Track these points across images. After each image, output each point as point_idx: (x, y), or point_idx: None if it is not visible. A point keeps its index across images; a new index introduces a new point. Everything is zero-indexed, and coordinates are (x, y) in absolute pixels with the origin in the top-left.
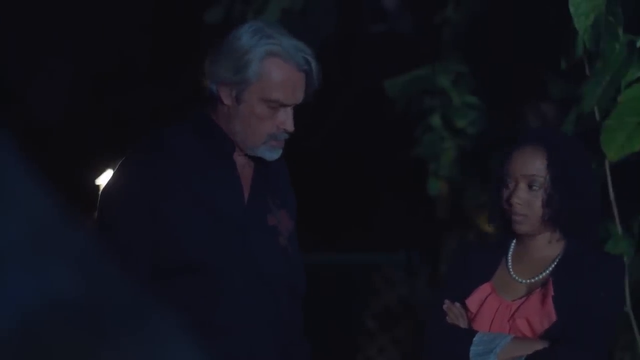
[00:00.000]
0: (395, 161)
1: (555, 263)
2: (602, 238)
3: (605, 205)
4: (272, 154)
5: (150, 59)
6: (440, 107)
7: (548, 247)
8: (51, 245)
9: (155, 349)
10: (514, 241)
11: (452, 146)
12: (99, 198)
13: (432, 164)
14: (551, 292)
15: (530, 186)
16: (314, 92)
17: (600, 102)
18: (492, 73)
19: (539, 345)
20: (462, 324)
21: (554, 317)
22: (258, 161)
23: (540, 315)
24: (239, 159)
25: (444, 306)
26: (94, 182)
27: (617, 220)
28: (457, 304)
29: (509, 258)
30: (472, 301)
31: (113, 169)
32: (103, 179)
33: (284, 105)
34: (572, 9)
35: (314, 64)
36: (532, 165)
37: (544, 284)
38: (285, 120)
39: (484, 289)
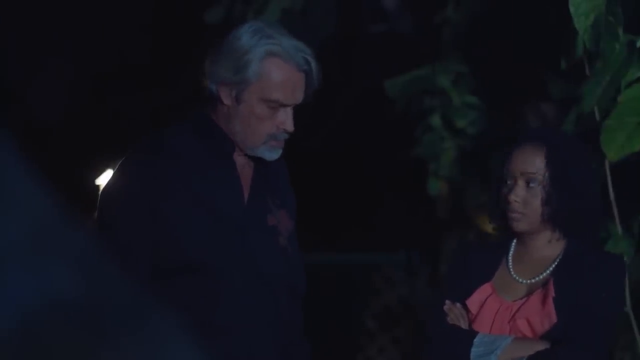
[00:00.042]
0: (395, 161)
1: (556, 263)
2: (602, 238)
3: (605, 205)
4: (272, 154)
5: (150, 59)
6: (440, 107)
7: (548, 247)
8: (51, 245)
9: (155, 349)
10: (515, 241)
11: (452, 146)
12: (99, 198)
13: (432, 164)
14: (552, 293)
15: (528, 184)
16: (314, 92)
17: (600, 102)
18: (492, 73)
19: (540, 346)
20: (463, 324)
21: (554, 318)
22: (258, 161)
23: (540, 315)
24: (239, 159)
25: (445, 307)
26: (94, 182)
27: (617, 220)
28: (458, 305)
29: (510, 258)
30: (473, 302)
31: (113, 169)
32: (103, 179)
33: (284, 105)
34: (572, 9)
35: (313, 64)
36: (531, 163)
37: (544, 284)
38: (285, 120)
39: (485, 289)
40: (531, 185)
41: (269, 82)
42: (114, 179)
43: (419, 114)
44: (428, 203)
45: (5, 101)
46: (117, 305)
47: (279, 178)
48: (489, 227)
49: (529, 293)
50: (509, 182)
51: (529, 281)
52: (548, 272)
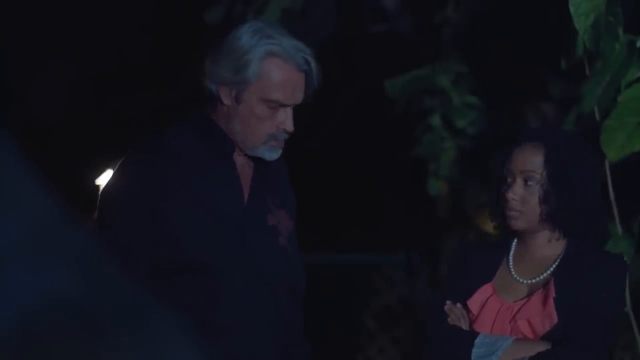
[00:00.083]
0: (395, 161)
1: (557, 263)
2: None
3: (605, 205)
4: (272, 154)
5: (150, 59)
6: (440, 107)
7: (549, 247)
8: (51, 245)
9: (155, 349)
10: (515, 241)
11: (452, 146)
12: (99, 198)
13: (432, 164)
14: (552, 294)
15: (526, 182)
16: (314, 92)
17: (600, 102)
18: (492, 73)
19: (541, 347)
20: (464, 325)
21: (555, 319)
22: (258, 161)
23: (541, 316)
24: (239, 159)
25: (446, 307)
26: (94, 182)
27: (617, 220)
28: (459, 305)
29: (510, 258)
30: (474, 302)
31: (113, 169)
32: (103, 179)
33: (284, 106)
34: (572, 9)
35: (313, 64)
36: (530, 161)
37: (545, 284)
38: (285, 120)
39: (486, 289)
40: (529, 183)
41: (269, 82)
42: (114, 179)
43: (419, 114)
44: (428, 203)
45: (5, 101)
46: (117, 305)
47: (279, 178)
48: (489, 227)
49: (530, 293)
50: (508, 181)
51: (529, 281)
52: (549, 272)
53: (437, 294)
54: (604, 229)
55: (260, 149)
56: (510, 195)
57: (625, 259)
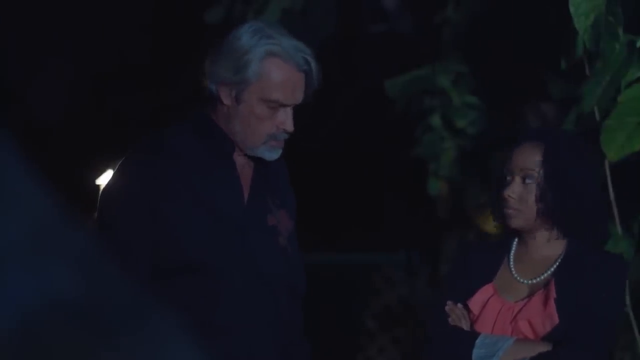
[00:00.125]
0: (395, 161)
1: (557, 263)
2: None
3: (605, 205)
4: (272, 154)
5: (150, 59)
6: (440, 107)
7: (549, 247)
8: (51, 245)
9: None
10: (516, 240)
11: (452, 146)
12: (99, 198)
13: (432, 164)
14: (553, 294)
15: (524, 180)
16: (314, 92)
17: (600, 102)
18: (492, 73)
19: (542, 348)
20: (465, 325)
21: (556, 320)
22: (258, 161)
23: (542, 317)
24: (239, 159)
25: (446, 307)
26: (94, 182)
27: (617, 220)
28: (460, 305)
29: (511, 257)
30: (475, 302)
31: (113, 169)
32: (103, 179)
33: (284, 106)
34: (572, 9)
35: (313, 64)
36: (529, 160)
37: (546, 284)
38: (285, 120)
39: (486, 290)
40: (527, 181)
41: (269, 82)
42: (114, 179)
43: (419, 114)
44: (428, 203)
45: (5, 101)
46: (117, 305)
47: (279, 178)
48: (489, 227)
49: (531, 294)
50: (507, 179)
51: (530, 281)
52: (549, 272)
53: (437, 294)
54: (604, 229)
55: (260, 149)
56: (508, 193)
57: (625, 259)
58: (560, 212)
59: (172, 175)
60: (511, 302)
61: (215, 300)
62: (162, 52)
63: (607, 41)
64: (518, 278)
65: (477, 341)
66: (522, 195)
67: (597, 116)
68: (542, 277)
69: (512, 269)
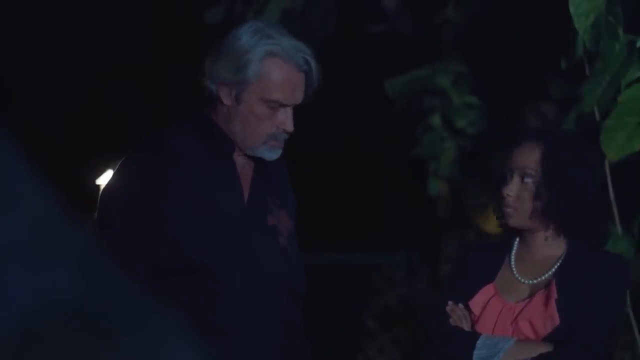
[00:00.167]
0: (395, 161)
1: (558, 264)
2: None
3: (605, 205)
4: (272, 154)
5: (150, 59)
6: (440, 107)
7: (550, 247)
8: (51, 245)
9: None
10: (517, 240)
11: (452, 146)
12: (99, 198)
13: (432, 164)
14: (554, 295)
15: (522, 179)
16: (314, 92)
17: (600, 102)
18: (492, 73)
19: (543, 348)
20: (466, 326)
21: (557, 320)
22: (258, 161)
23: (543, 318)
24: (239, 159)
25: (448, 308)
26: (94, 182)
27: (617, 220)
28: (461, 306)
29: (512, 257)
30: (476, 303)
31: (113, 169)
32: (103, 179)
33: (284, 106)
34: (572, 9)
35: (313, 64)
36: (527, 159)
37: (547, 285)
38: (285, 120)
39: (487, 290)
40: (526, 180)
41: (269, 82)
42: (114, 179)
43: (419, 114)
44: (428, 203)
45: (5, 101)
46: (117, 305)
47: (279, 178)
48: (489, 227)
49: (532, 294)
50: (507, 178)
51: (531, 281)
52: (550, 272)
53: (438, 295)
54: (604, 229)
55: (260, 149)
56: (506, 191)
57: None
58: (557, 212)
59: (172, 175)
60: (512, 302)
61: (215, 300)
62: (162, 52)
63: (607, 41)
64: (519, 278)
65: (478, 342)
66: (520, 194)
67: (597, 116)
68: (543, 278)
69: (513, 269)
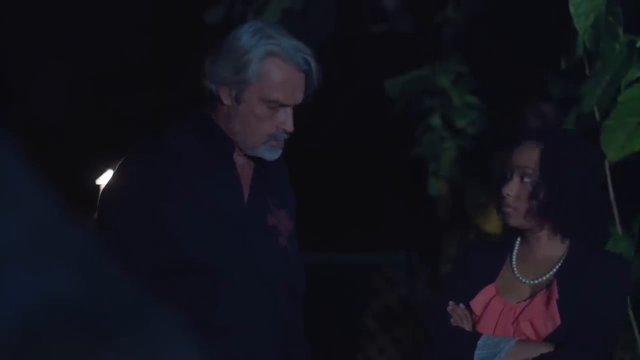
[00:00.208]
0: (395, 161)
1: (560, 264)
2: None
3: (605, 205)
4: (272, 154)
5: (150, 59)
6: (440, 107)
7: (551, 247)
8: (51, 245)
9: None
10: (518, 240)
11: (452, 146)
12: (99, 198)
13: (432, 164)
14: (555, 295)
15: (522, 179)
16: (314, 92)
17: (600, 102)
18: (492, 73)
19: (543, 349)
20: (467, 326)
21: (558, 321)
22: (258, 161)
23: (544, 318)
24: (239, 159)
25: (449, 308)
26: (94, 182)
27: (617, 220)
28: (462, 306)
29: (514, 257)
30: (477, 303)
31: (113, 169)
32: (103, 179)
33: (284, 106)
34: (572, 9)
35: (313, 64)
36: (527, 158)
37: (548, 285)
38: (285, 120)
39: (488, 290)
40: (525, 180)
41: (269, 82)
42: (114, 179)
43: (419, 114)
44: (428, 203)
45: (5, 101)
46: (117, 305)
47: (279, 178)
48: (489, 227)
49: (533, 294)
50: (507, 177)
51: (532, 281)
52: (552, 273)
53: (439, 295)
54: (604, 229)
55: (260, 149)
56: (506, 191)
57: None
58: (556, 211)
59: (172, 175)
60: (513, 302)
61: (215, 300)
62: (162, 52)
63: (607, 41)
64: (520, 278)
65: (479, 342)
66: (520, 194)
67: (597, 116)
68: (545, 278)
69: (515, 269)
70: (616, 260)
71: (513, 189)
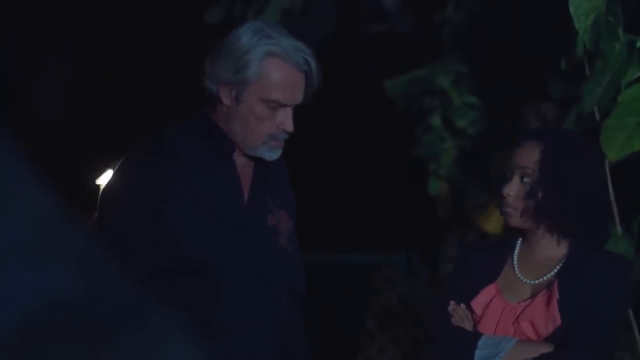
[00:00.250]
0: (395, 161)
1: (560, 264)
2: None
3: (605, 205)
4: (272, 154)
5: (150, 59)
6: (440, 107)
7: (552, 247)
8: (51, 245)
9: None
10: (520, 240)
11: (452, 146)
12: (99, 198)
13: (432, 164)
14: (556, 295)
15: (522, 179)
16: (314, 92)
17: (600, 102)
18: (492, 73)
19: (544, 349)
20: (468, 326)
21: (558, 321)
22: (258, 161)
23: (544, 318)
24: (239, 159)
25: (450, 308)
26: (94, 182)
27: (617, 220)
28: (463, 306)
29: (515, 257)
30: (477, 303)
31: (113, 169)
32: (103, 179)
33: (284, 106)
34: (572, 9)
35: (313, 64)
36: (527, 158)
37: (548, 285)
38: (285, 120)
39: (489, 290)
40: (525, 180)
41: (269, 82)
42: (114, 179)
43: (419, 114)
44: (428, 203)
45: (5, 101)
46: (117, 305)
47: (279, 178)
48: (489, 227)
49: (534, 294)
50: (507, 177)
51: (533, 282)
52: (552, 273)
53: (439, 295)
54: (604, 229)
55: (260, 149)
56: (506, 191)
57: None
58: (554, 211)
59: (172, 175)
60: (514, 302)
61: (215, 300)
62: (162, 52)
63: (607, 41)
64: (521, 278)
65: (480, 342)
66: (519, 193)
67: (597, 116)
68: (545, 278)
69: (516, 269)
70: (617, 260)
71: (513, 189)
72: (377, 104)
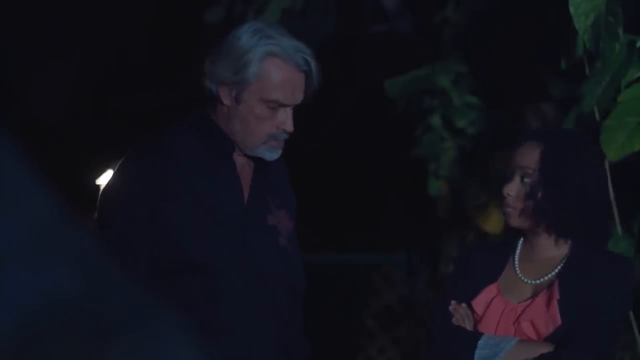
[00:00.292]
0: (396, 161)
1: (561, 265)
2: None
3: (605, 205)
4: (272, 154)
5: (151, 59)
6: (440, 107)
7: (554, 247)
8: (51, 245)
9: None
10: (521, 240)
11: (452, 146)
12: (99, 198)
13: (432, 164)
14: (556, 295)
15: (522, 179)
16: (314, 92)
17: (600, 102)
18: (492, 73)
19: (544, 349)
20: (468, 325)
21: (559, 321)
22: (258, 161)
23: (545, 318)
24: (239, 159)
25: (451, 307)
26: (94, 182)
27: (617, 220)
28: (464, 305)
29: (516, 257)
30: (478, 303)
31: (113, 169)
32: (103, 179)
33: (284, 106)
34: (572, 9)
35: (313, 65)
36: (527, 158)
37: (549, 285)
38: (285, 120)
39: (490, 290)
40: (525, 180)
41: (269, 83)
42: (114, 179)
43: (419, 114)
44: (428, 203)
45: (5, 101)
46: (117, 305)
47: (279, 178)
48: (489, 227)
49: (534, 294)
50: (508, 178)
51: (534, 282)
52: (553, 273)
53: (440, 295)
54: (604, 229)
55: (260, 149)
56: (506, 191)
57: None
58: (554, 211)
59: (172, 175)
60: (514, 302)
61: (215, 300)
62: (162, 52)
63: (607, 41)
64: (522, 278)
65: (480, 342)
66: (519, 194)
67: (597, 116)
68: (546, 278)
69: (517, 269)
70: (617, 260)
71: (513, 189)
72: (377, 104)
